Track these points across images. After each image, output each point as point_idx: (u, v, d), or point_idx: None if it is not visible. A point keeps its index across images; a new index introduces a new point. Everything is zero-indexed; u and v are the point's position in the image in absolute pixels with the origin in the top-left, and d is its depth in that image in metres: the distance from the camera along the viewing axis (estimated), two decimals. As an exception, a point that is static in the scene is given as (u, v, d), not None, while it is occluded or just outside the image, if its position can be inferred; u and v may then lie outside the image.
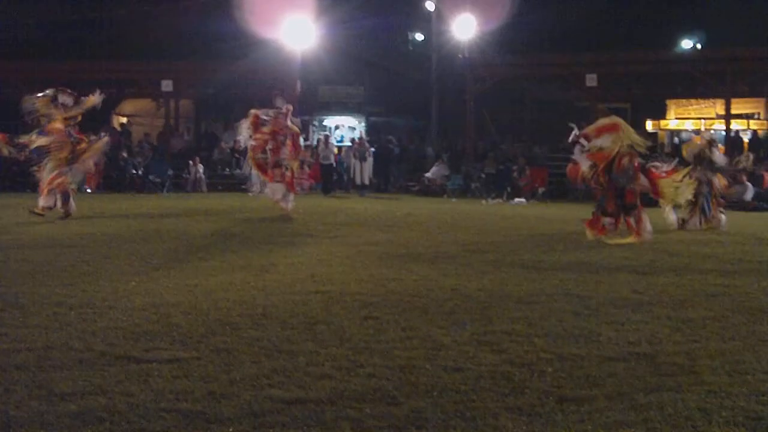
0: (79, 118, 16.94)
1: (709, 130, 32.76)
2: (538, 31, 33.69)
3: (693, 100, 34.22)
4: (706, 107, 33.98)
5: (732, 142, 30.10)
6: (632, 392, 5.26)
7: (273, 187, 17.38)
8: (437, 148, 33.05)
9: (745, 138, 31.03)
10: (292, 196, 17.45)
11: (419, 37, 40.80)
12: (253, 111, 17.74)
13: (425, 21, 36.88)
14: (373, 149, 30.71)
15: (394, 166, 31.72)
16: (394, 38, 39.97)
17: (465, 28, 32.94)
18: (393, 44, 39.75)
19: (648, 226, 13.87)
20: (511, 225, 17.02)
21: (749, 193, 24.37)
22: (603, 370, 5.73)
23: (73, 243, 12.48)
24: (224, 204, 21.58)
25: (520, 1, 32.74)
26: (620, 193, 14.02)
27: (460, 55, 33.15)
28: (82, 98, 16.80)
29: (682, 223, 16.42)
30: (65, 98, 16.65)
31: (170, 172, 29.34)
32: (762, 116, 33.27)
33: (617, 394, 5.22)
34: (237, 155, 31.89)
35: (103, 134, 17.89)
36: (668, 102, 34.59)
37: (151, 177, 28.68)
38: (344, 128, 37.31)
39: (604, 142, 14.14)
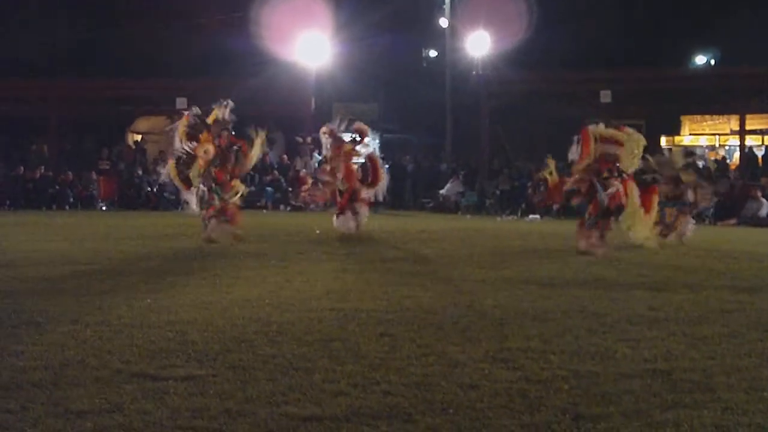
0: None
1: (724, 145, 32.86)
2: (552, 48, 33.69)
3: (707, 116, 34.18)
4: (720, 123, 33.96)
5: (746, 157, 30.07)
6: (648, 409, 5.24)
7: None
8: (451, 165, 33.02)
9: (759, 153, 30.95)
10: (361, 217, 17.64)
11: (433, 53, 40.86)
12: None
13: (439, 38, 36.93)
14: (387, 166, 30.69)
15: (409, 183, 31.69)
16: (408, 55, 39.99)
17: (479, 45, 33.02)
18: (407, 61, 39.77)
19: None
20: (526, 242, 16.98)
21: (764, 210, 24.28)
22: (619, 387, 5.71)
23: (88, 260, 12.51)
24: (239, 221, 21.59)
25: (534, 17, 32.81)
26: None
27: (474, 72, 33.20)
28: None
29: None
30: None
31: (186, 189, 29.40)
32: (776, 131, 33.21)
33: (633, 412, 5.20)
34: (252, 172, 31.95)
35: None
36: (682, 118, 34.52)
37: (166, 194, 28.76)
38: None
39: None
